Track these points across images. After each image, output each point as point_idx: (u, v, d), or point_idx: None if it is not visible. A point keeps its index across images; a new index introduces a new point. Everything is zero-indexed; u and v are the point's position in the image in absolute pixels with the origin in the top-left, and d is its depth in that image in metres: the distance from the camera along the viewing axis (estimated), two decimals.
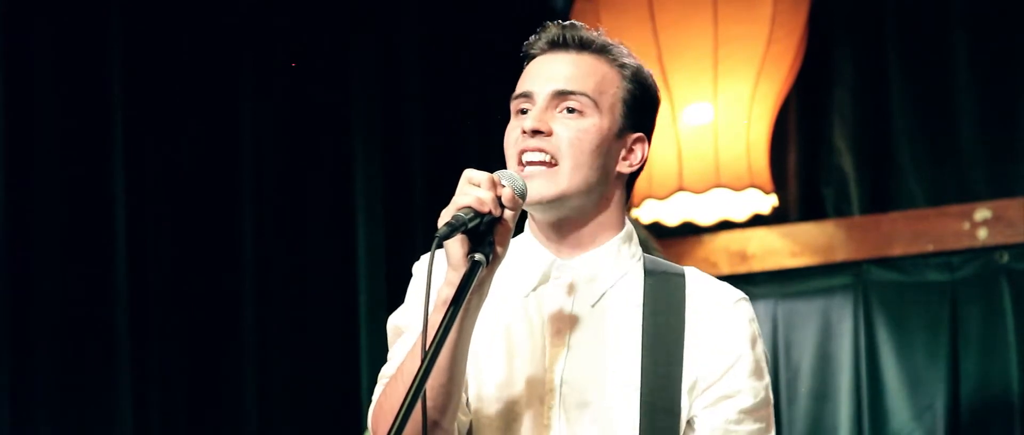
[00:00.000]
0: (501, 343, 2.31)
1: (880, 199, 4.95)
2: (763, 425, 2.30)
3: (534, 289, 2.34)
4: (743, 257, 4.94)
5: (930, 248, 4.75)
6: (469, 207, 2.15)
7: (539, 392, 2.28)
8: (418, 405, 2.15)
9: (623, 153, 2.34)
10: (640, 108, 2.36)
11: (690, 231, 4.91)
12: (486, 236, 2.16)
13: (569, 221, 2.33)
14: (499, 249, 2.17)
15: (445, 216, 2.15)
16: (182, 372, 4.12)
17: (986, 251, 4.68)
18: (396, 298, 2.35)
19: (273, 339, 4.32)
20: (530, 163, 2.30)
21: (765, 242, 4.93)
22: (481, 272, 2.14)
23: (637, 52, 2.42)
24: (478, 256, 2.14)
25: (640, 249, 2.39)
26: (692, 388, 2.28)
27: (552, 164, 2.29)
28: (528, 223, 2.39)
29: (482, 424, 2.29)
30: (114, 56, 3.99)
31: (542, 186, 2.28)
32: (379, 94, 4.72)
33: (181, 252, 4.14)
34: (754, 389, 2.29)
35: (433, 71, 4.87)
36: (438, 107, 4.88)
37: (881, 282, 4.80)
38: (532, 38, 2.37)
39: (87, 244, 3.90)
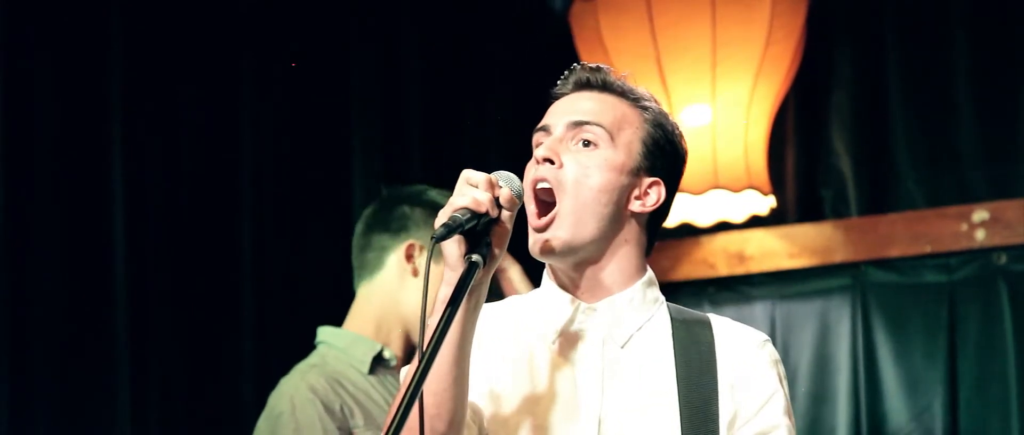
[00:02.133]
0: (526, 387, 2.31)
1: (878, 200, 4.94)
2: None
3: (560, 334, 2.34)
4: (741, 258, 4.93)
5: (928, 249, 4.74)
6: (466, 208, 2.16)
7: (574, 432, 2.29)
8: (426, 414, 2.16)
9: (636, 192, 2.35)
10: (659, 151, 2.39)
11: (688, 232, 4.91)
12: (483, 237, 2.17)
13: (586, 263, 2.33)
14: (496, 250, 2.19)
15: (442, 216, 2.16)
16: (182, 372, 4.13)
17: (984, 252, 4.67)
18: None
19: (273, 339, 4.32)
20: (538, 186, 2.31)
21: (763, 243, 4.93)
22: (478, 273, 2.15)
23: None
24: (475, 257, 2.15)
25: (662, 295, 2.41)
26: (731, 422, 2.31)
27: (555, 196, 2.29)
28: (546, 273, 2.39)
29: None
30: (114, 56, 3.99)
31: (549, 237, 2.30)
32: (379, 94, 4.72)
33: (181, 252, 4.15)
34: (788, 427, 2.34)
35: (433, 71, 4.88)
36: (438, 107, 4.88)
37: (879, 283, 4.79)
38: (560, 81, 2.40)
39: (87, 244, 3.91)
